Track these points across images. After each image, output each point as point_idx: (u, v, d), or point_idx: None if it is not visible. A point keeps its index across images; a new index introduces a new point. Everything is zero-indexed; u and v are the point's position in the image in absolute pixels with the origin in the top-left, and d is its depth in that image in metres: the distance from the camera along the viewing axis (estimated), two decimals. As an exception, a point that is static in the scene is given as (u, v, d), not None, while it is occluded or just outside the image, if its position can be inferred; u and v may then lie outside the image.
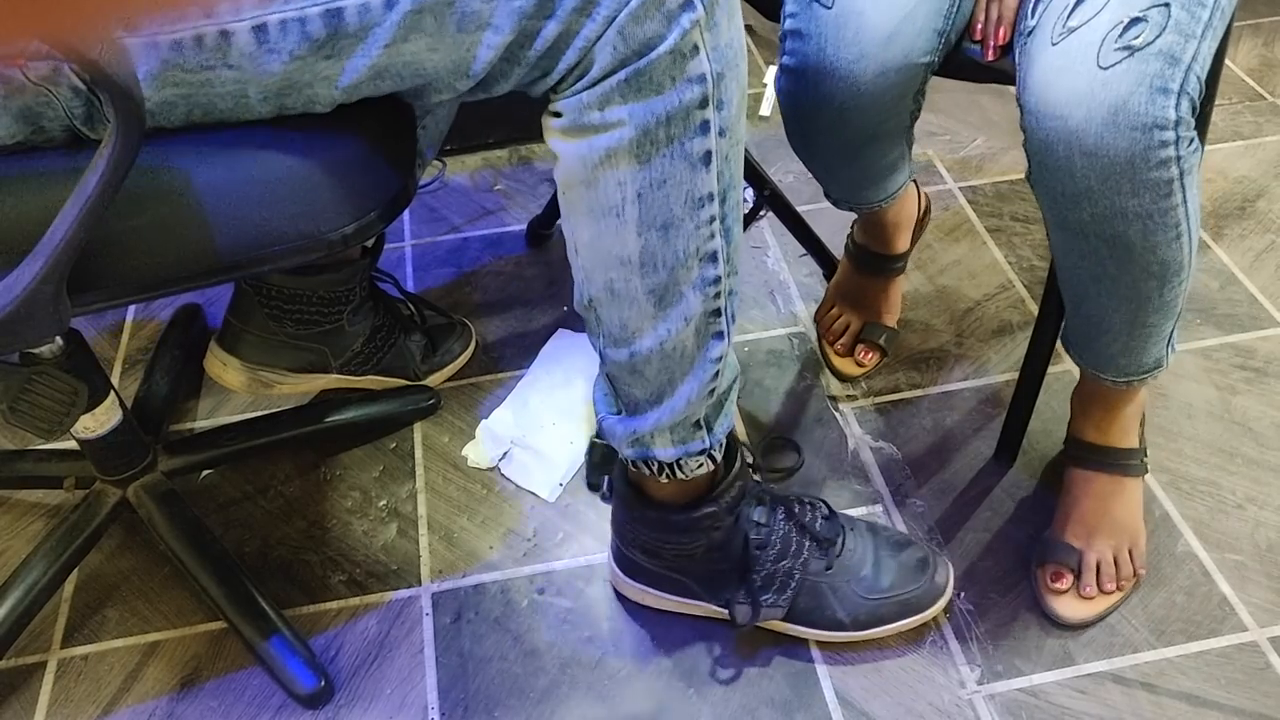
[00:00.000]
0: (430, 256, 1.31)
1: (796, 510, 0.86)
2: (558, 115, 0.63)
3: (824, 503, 0.88)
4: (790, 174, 1.37)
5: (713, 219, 0.66)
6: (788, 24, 0.79)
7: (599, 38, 0.58)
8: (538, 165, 1.44)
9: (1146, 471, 0.93)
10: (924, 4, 0.75)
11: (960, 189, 1.35)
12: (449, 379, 1.14)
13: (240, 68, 0.58)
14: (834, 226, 1.23)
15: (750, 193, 1.31)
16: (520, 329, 1.20)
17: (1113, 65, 0.66)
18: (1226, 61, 1.53)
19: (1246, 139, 1.40)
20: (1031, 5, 0.73)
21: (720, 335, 0.72)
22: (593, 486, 1.01)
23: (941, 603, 0.87)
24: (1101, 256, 0.74)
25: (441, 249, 1.32)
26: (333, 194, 0.63)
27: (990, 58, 0.76)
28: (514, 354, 1.17)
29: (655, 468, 0.78)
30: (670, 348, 0.70)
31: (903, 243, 1.07)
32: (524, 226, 1.33)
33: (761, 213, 1.29)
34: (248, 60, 0.58)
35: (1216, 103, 1.44)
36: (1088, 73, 0.66)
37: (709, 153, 0.64)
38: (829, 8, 0.75)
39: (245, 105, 0.61)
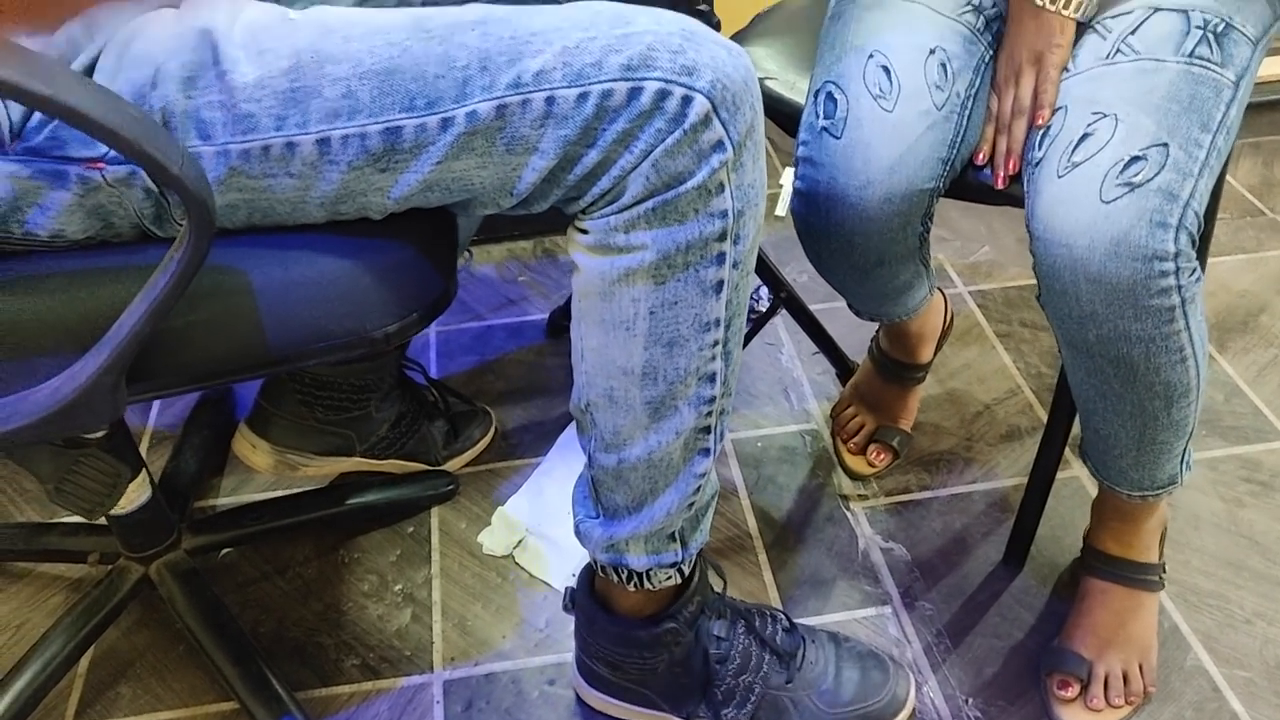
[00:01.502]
0: (455, 343, 1.34)
1: (757, 624, 0.86)
2: (584, 232, 0.67)
3: (784, 615, 0.89)
4: (804, 274, 1.42)
5: (716, 343, 0.70)
6: (800, 151, 0.83)
7: (634, 168, 0.62)
8: (561, 258, 1.49)
9: (1163, 587, 0.93)
10: (928, 134, 0.79)
11: (970, 293, 1.39)
12: (467, 464, 1.16)
13: (301, 176, 0.63)
14: (848, 326, 1.27)
15: (765, 290, 1.35)
16: (539, 417, 1.23)
17: (1114, 200, 0.70)
18: (1228, 178, 1.59)
19: (1249, 253, 1.44)
20: (1039, 138, 0.77)
21: (706, 452, 0.75)
22: None
23: (903, 715, 0.87)
24: (1108, 375, 0.77)
25: (466, 336, 1.35)
26: (379, 295, 0.67)
27: (1000, 186, 0.80)
28: (532, 441, 1.19)
29: (625, 575, 0.80)
30: (658, 458, 0.73)
31: (926, 353, 1.10)
32: (545, 316, 1.38)
33: (777, 311, 1.33)
34: (309, 169, 0.63)
35: (1219, 218, 1.49)
36: (1091, 206, 0.71)
37: (721, 282, 0.67)
38: (838, 138, 0.80)
39: (303, 210, 0.65)
